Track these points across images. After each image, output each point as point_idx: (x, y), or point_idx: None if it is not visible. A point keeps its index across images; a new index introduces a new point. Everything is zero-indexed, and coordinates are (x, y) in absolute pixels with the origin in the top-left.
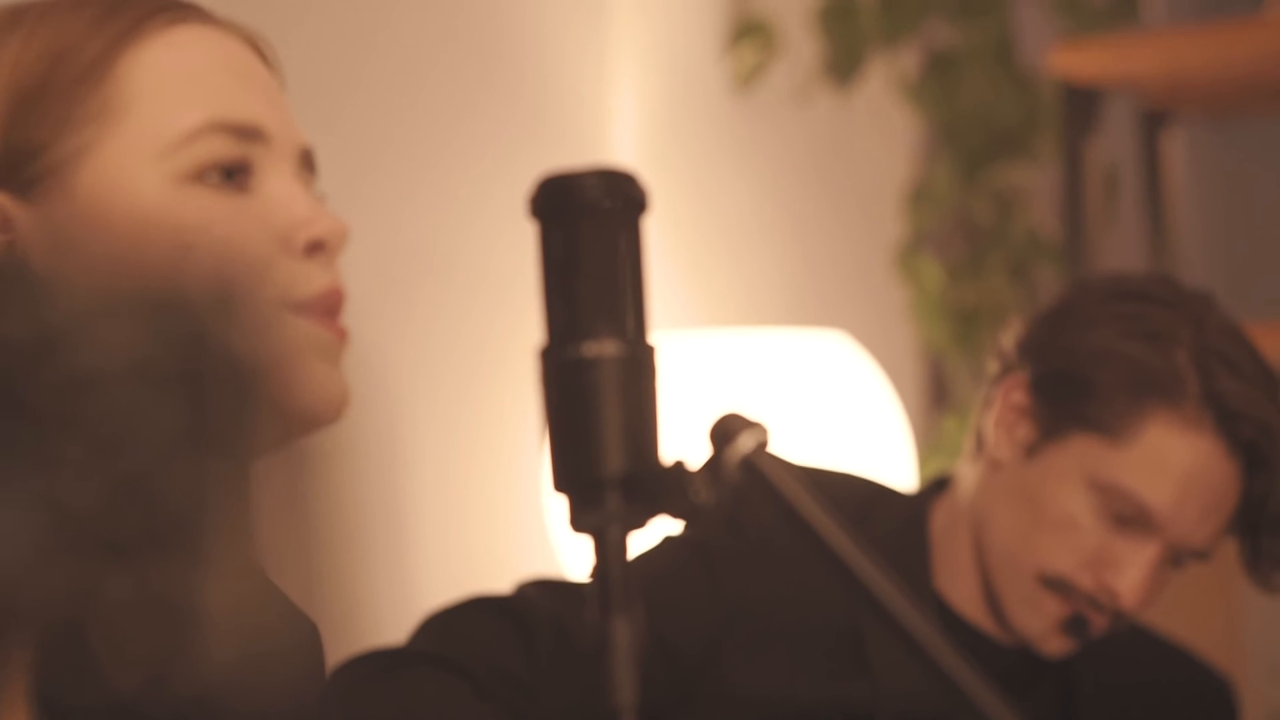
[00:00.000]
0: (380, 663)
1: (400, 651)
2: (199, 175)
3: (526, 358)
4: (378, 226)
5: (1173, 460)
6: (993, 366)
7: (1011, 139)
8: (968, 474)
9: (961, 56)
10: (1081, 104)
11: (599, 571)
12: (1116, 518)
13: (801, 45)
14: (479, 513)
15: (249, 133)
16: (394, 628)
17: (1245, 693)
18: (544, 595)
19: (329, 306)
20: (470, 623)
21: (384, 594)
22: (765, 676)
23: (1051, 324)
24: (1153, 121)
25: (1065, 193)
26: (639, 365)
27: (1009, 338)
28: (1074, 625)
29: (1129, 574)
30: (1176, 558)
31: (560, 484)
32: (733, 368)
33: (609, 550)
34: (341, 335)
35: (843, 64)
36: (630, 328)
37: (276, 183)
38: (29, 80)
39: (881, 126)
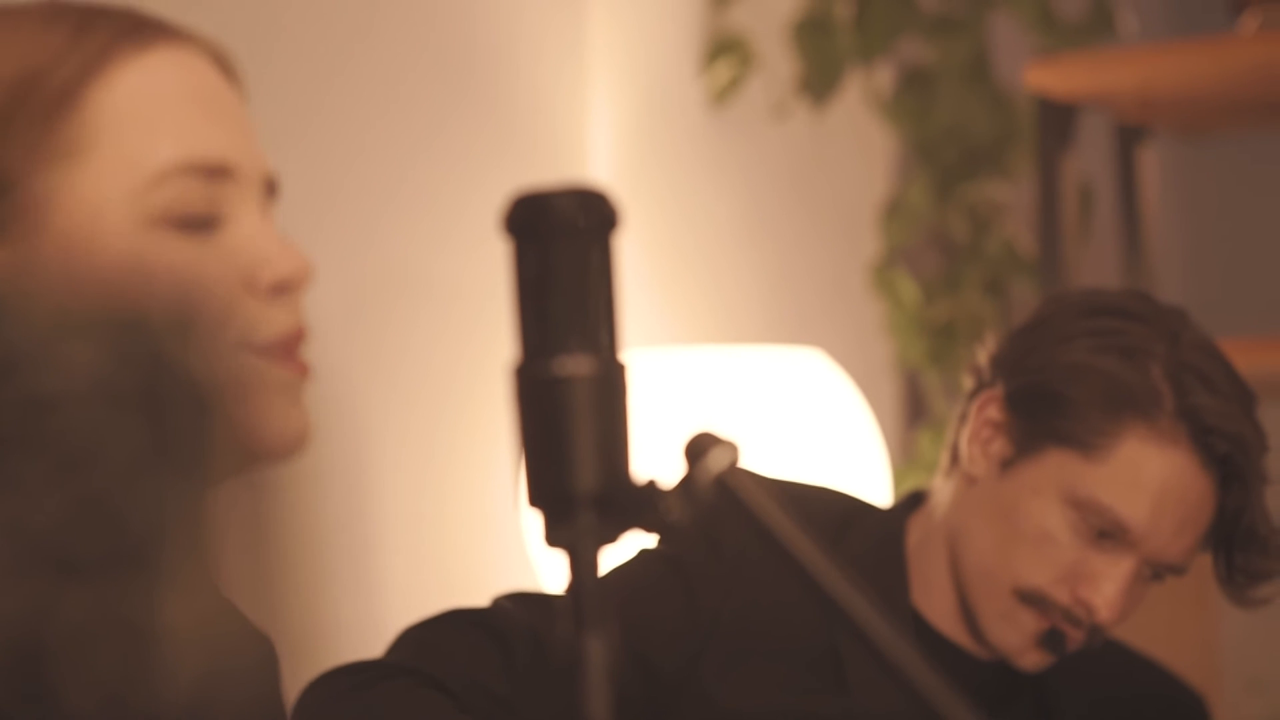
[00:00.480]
0: (357, 676)
1: (377, 664)
2: (166, 219)
3: (499, 375)
4: (350, 242)
5: (1148, 475)
6: (968, 382)
7: (987, 155)
8: (943, 489)
9: (937, 73)
10: (1057, 120)
11: (572, 587)
12: (1092, 532)
13: (777, 62)
14: (451, 529)
15: (217, 171)
16: (363, 646)
17: (1222, 705)
18: (520, 608)
19: (290, 346)
20: (447, 636)
21: (353, 612)
22: (743, 693)
23: (1026, 339)
24: (1128, 137)
25: (1040, 208)
26: (611, 382)
27: (984, 353)
28: (1050, 640)
29: (1105, 588)
30: (1153, 572)
31: (534, 499)
32: (708, 385)
33: (582, 566)
34: (303, 372)
35: (818, 81)
36: (603, 344)
37: (242, 222)
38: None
39: (857, 143)
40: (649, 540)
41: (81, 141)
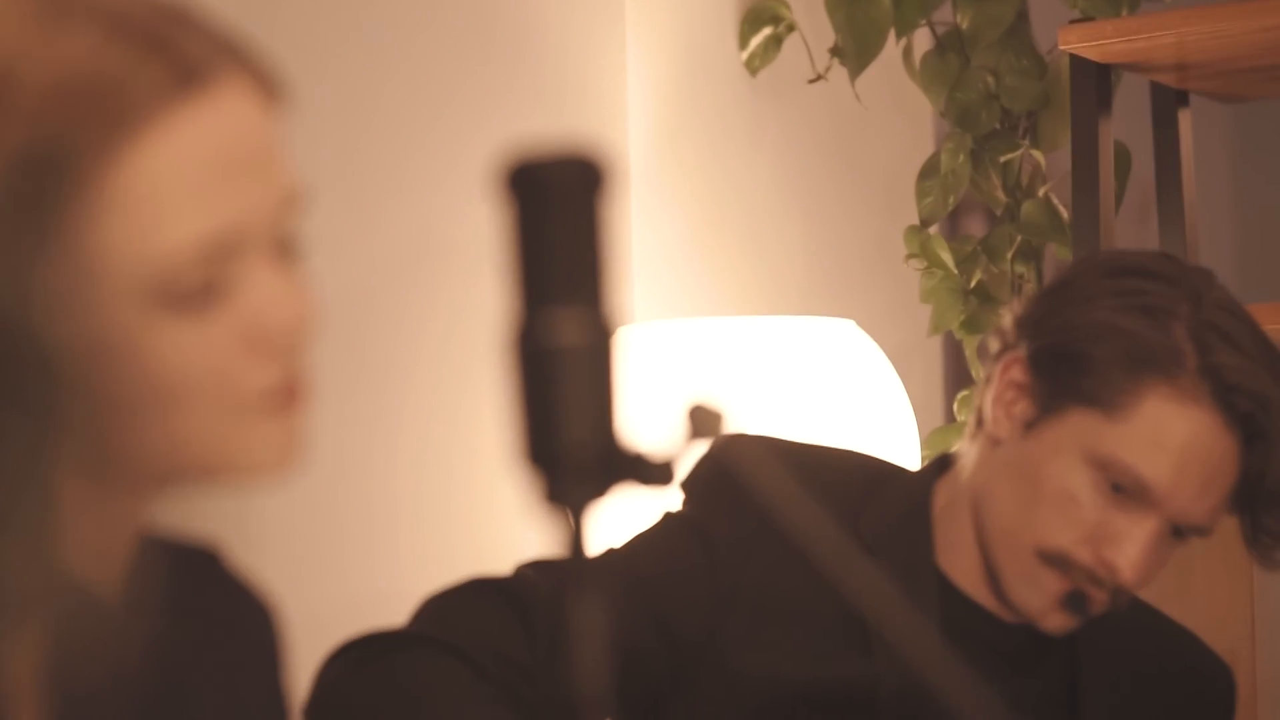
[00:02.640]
0: (377, 645)
1: (398, 634)
2: (162, 298)
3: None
4: (370, 204)
5: (1170, 434)
6: (993, 345)
7: (1024, 120)
8: (968, 452)
9: (974, 37)
10: (1094, 84)
11: (569, 546)
12: (1115, 492)
13: (815, 28)
14: (454, 497)
15: (226, 245)
16: (370, 617)
17: (1261, 669)
18: (543, 575)
19: (283, 401)
20: (468, 605)
21: (358, 582)
22: (765, 657)
23: (1049, 301)
24: (1165, 101)
25: (1077, 173)
26: (603, 343)
27: (1008, 316)
28: (1073, 601)
29: (1128, 549)
30: (1177, 532)
31: (528, 458)
32: (742, 354)
33: (577, 525)
34: (293, 404)
35: (855, 53)
36: (595, 305)
37: (251, 279)
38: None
39: (894, 109)
40: (670, 503)
41: (103, 203)
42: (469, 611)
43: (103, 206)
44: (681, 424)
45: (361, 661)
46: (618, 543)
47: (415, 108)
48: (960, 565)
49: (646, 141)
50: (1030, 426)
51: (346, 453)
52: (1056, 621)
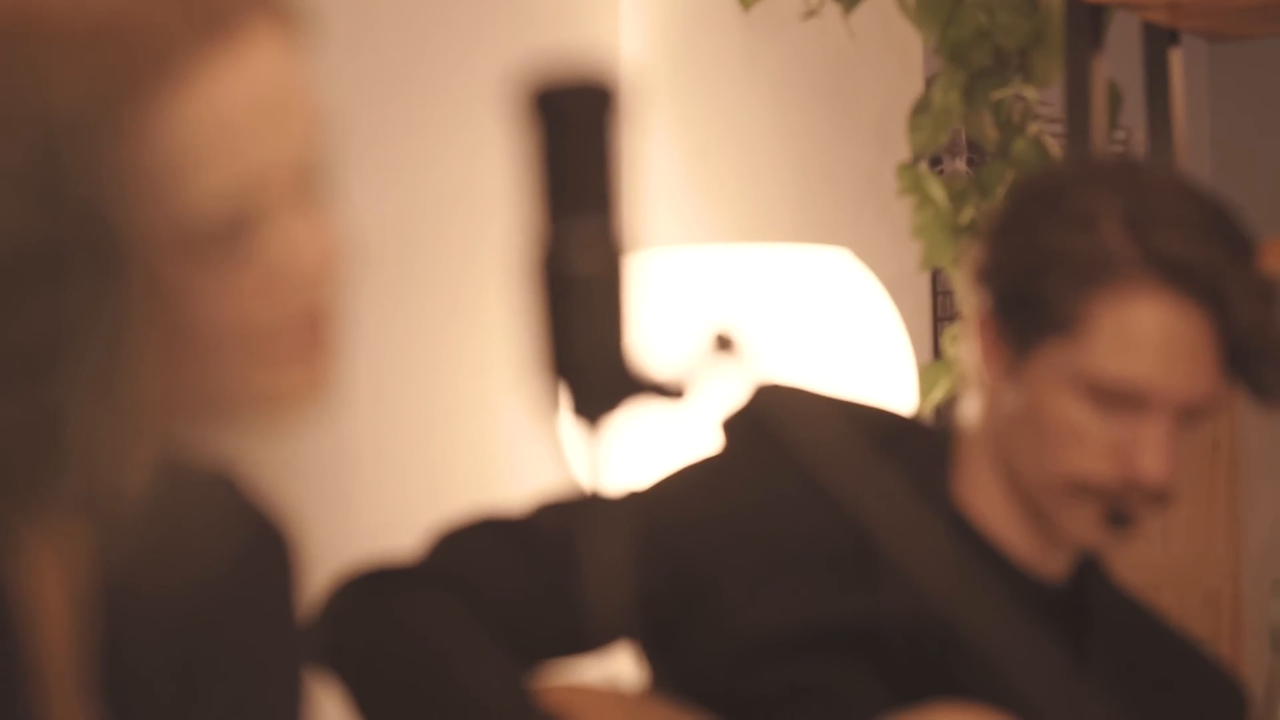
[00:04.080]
0: (388, 581)
1: (408, 571)
2: (199, 241)
3: (495, 274)
4: (363, 135)
5: (1135, 331)
6: (966, 297)
7: (1016, 57)
8: (973, 405)
9: None
10: (1086, 22)
11: (588, 460)
12: (1113, 406)
13: None
14: (441, 435)
15: (259, 190)
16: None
17: (1247, 605)
18: (556, 516)
19: (307, 340)
20: (479, 544)
21: (368, 504)
22: (766, 607)
23: (995, 244)
24: (1157, 39)
25: (1069, 111)
26: (619, 259)
27: (972, 267)
28: (1116, 519)
29: (1147, 454)
30: (1186, 419)
31: (548, 371)
32: (737, 283)
33: (595, 437)
34: (317, 343)
35: None
36: (613, 220)
37: (279, 225)
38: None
39: (888, 45)
40: (706, 447)
41: (132, 149)
42: (479, 551)
43: (138, 152)
44: (699, 347)
45: (369, 598)
46: (644, 477)
47: (408, 38)
48: (989, 513)
49: (640, 76)
50: (1015, 373)
51: (357, 381)
52: (1110, 541)
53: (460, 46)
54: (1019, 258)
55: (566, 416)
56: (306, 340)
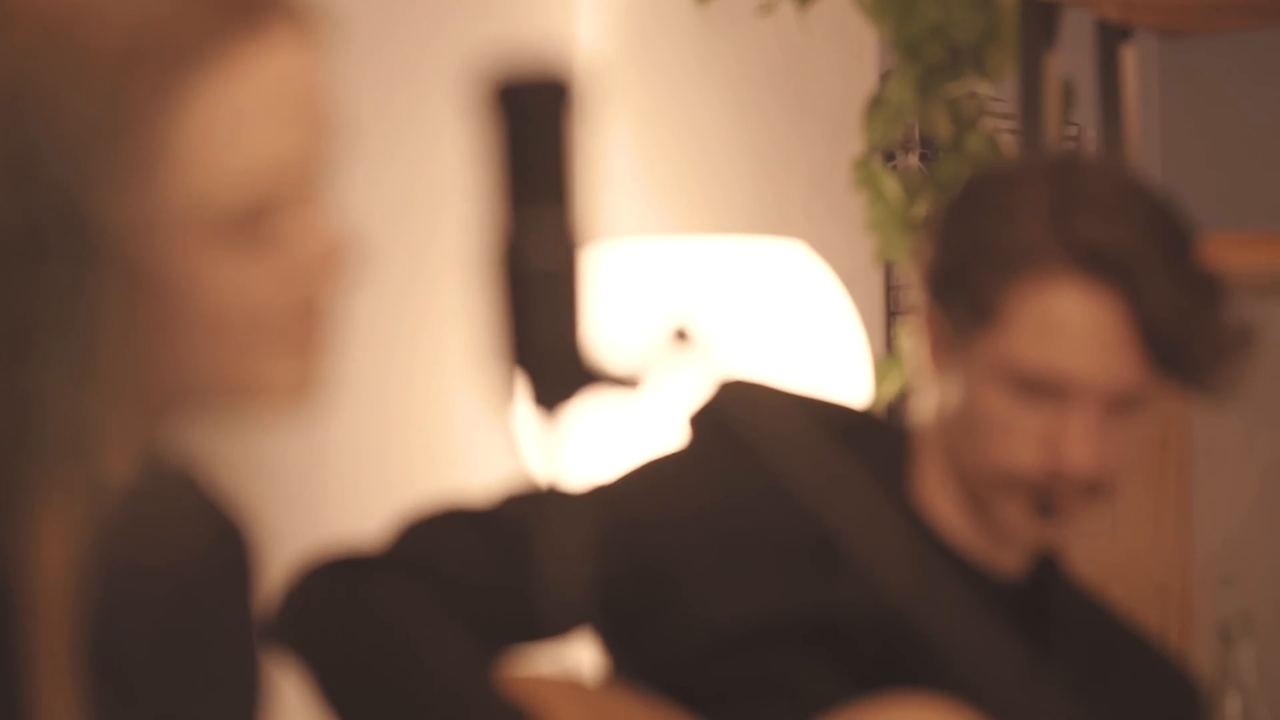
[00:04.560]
0: (353, 571)
1: (373, 560)
2: (216, 230)
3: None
4: None
5: (1055, 320)
6: (916, 294)
7: (970, 53)
8: (924, 399)
9: None
10: (1040, 18)
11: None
12: (1038, 397)
13: None
14: (415, 423)
15: (278, 182)
16: (337, 526)
17: (1198, 599)
18: (519, 507)
19: (305, 332)
20: (445, 534)
21: (325, 494)
22: (732, 587)
23: (935, 241)
24: (1110, 36)
25: (1023, 106)
26: (576, 250)
27: (916, 262)
28: (1042, 506)
29: (1073, 444)
30: (1115, 409)
31: (505, 359)
32: (690, 275)
33: (552, 425)
34: (315, 335)
35: None
36: (570, 212)
37: (292, 218)
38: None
39: (843, 39)
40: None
41: (160, 139)
42: (442, 540)
43: (166, 142)
44: (655, 339)
45: (335, 585)
46: (601, 468)
47: (364, 30)
48: (943, 509)
49: (597, 70)
50: (953, 367)
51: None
52: (1041, 533)
53: (416, 38)
54: (953, 252)
55: (524, 406)
56: (302, 334)
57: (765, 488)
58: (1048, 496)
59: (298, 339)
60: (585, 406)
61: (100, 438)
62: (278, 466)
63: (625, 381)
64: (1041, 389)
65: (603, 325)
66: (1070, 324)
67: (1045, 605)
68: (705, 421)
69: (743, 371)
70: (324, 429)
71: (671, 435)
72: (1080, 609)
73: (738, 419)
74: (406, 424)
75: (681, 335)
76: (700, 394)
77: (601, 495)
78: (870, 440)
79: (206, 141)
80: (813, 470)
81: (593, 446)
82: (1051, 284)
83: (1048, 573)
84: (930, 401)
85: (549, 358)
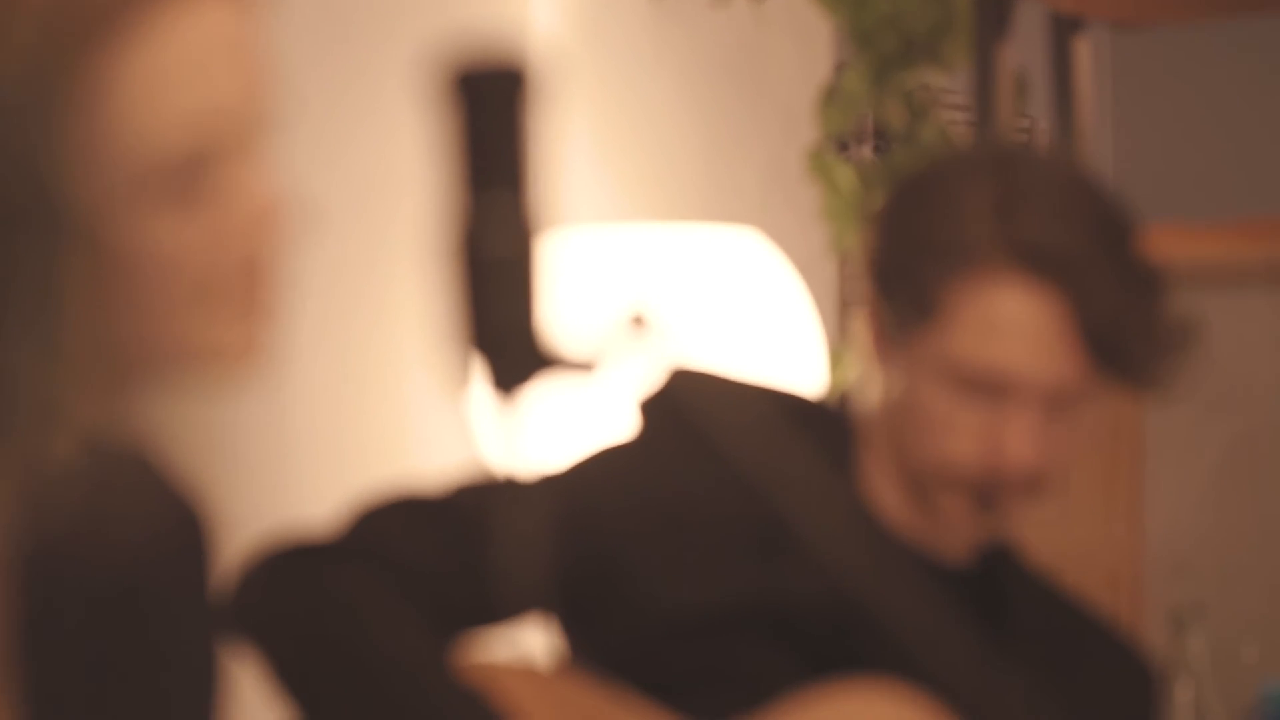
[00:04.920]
0: (309, 556)
1: (328, 547)
2: (147, 188)
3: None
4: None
5: (996, 317)
6: (863, 288)
7: (924, 43)
8: (870, 389)
9: None
10: (993, 9)
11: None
12: (978, 394)
13: None
14: (371, 409)
15: (207, 141)
16: (290, 513)
17: (1149, 586)
18: (472, 495)
19: (246, 294)
20: (398, 521)
21: (277, 478)
22: (683, 574)
23: (878, 234)
24: (1063, 27)
25: (976, 97)
26: (533, 235)
27: (862, 254)
28: (983, 500)
29: (1013, 440)
30: (1055, 406)
31: (463, 343)
32: (645, 263)
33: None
34: (257, 298)
35: None
36: (527, 197)
37: (226, 180)
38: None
39: (797, 29)
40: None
41: (89, 95)
42: (396, 527)
43: (95, 98)
44: (612, 325)
45: (290, 573)
46: (557, 451)
47: (321, 12)
48: (889, 497)
49: (549, 58)
50: (896, 363)
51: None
52: (982, 525)
53: (374, 23)
54: (895, 245)
55: (481, 390)
56: (244, 295)
57: (715, 475)
58: (987, 491)
59: (240, 300)
60: (542, 390)
61: (68, 411)
62: (233, 449)
63: (581, 366)
64: (982, 386)
65: (559, 311)
66: (1011, 323)
67: (996, 590)
68: (655, 409)
69: (693, 359)
70: (281, 412)
71: (627, 420)
72: (1033, 592)
73: (688, 407)
74: (363, 408)
75: (638, 321)
76: (651, 381)
77: (554, 483)
78: (817, 428)
79: (138, 96)
80: (760, 458)
81: (549, 430)
82: (993, 282)
83: (998, 559)
84: (875, 391)
85: (506, 341)
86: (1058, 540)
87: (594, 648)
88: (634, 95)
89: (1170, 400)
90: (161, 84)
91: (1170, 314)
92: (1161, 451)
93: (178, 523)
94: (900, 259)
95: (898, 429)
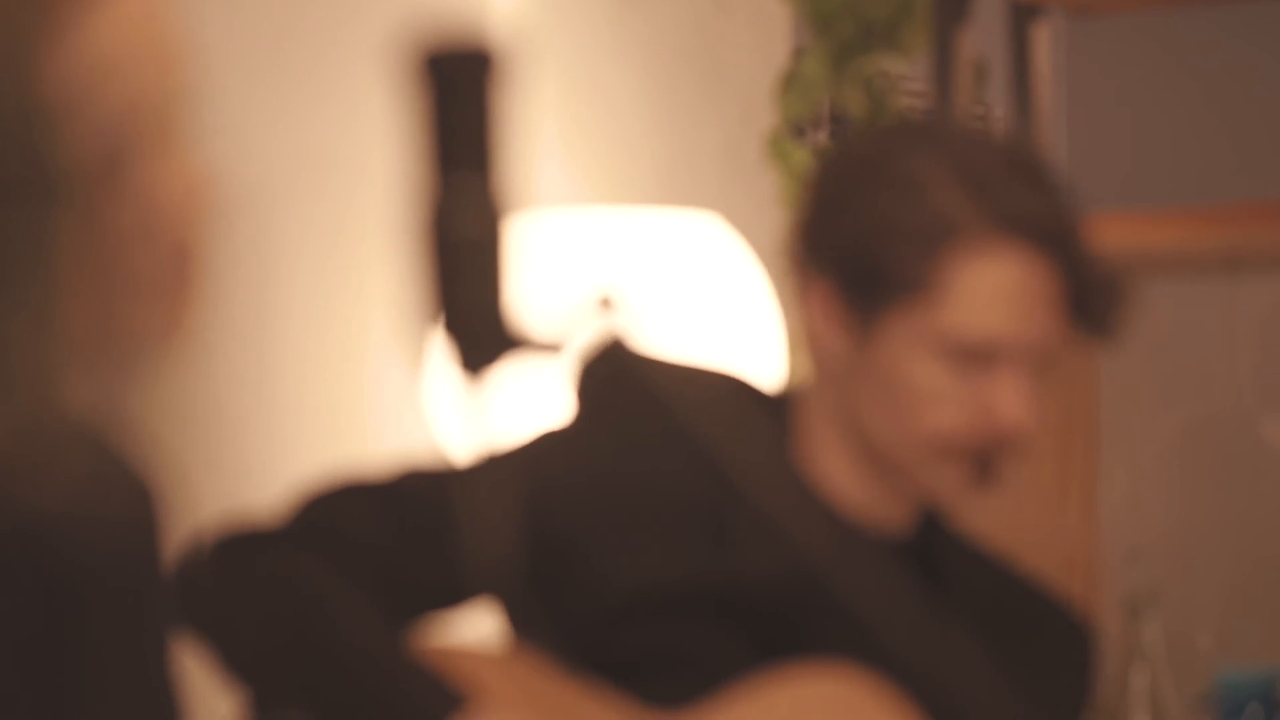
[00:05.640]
0: (258, 542)
1: (277, 532)
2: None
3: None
4: (234, 102)
5: (993, 286)
6: (792, 271)
7: (883, 29)
8: (814, 376)
9: None
10: None
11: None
12: (969, 362)
13: None
14: (346, 392)
15: (131, 125)
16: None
17: (1104, 573)
18: (421, 482)
19: (173, 274)
20: (345, 506)
21: (243, 460)
22: (631, 562)
23: (826, 215)
24: (1021, 14)
25: (935, 83)
26: (501, 216)
27: (793, 241)
28: (983, 472)
29: (1009, 405)
30: (1038, 365)
31: (434, 324)
32: (604, 246)
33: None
34: (183, 278)
35: None
36: (495, 178)
37: (151, 162)
38: None
39: (756, 15)
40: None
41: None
42: (343, 512)
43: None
44: (579, 306)
45: (239, 559)
46: (521, 433)
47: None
48: (831, 472)
49: (510, 37)
50: (862, 343)
51: (234, 335)
52: (973, 494)
53: (334, 4)
54: (854, 227)
55: (446, 370)
56: (171, 278)
57: (660, 457)
58: (983, 458)
59: (168, 283)
60: (508, 372)
61: (61, 383)
62: (190, 424)
63: (548, 348)
64: (974, 354)
65: (524, 292)
66: (1009, 290)
67: (934, 558)
68: (596, 389)
69: (627, 338)
70: (243, 391)
71: (564, 399)
72: (969, 559)
73: (628, 386)
74: (325, 389)
75: (605, 303)
76: (587, 360)
77: (503, 465)
78: (753, 406)
79: (75, 87)
80: (700, 437)
81: (515, 411)
82: (983, 253)
83: (934, 529)
84: (815, 369)
85: (473, 323)
86: (1013, 528)
87: (546, 631)
88: (592, 79)
89: (1123, 383)
90: (95, 74)
91: (1114, 269)
92: (1115, 439)
93: (128, 501)
94: (863, 240)
95: (864, 407)
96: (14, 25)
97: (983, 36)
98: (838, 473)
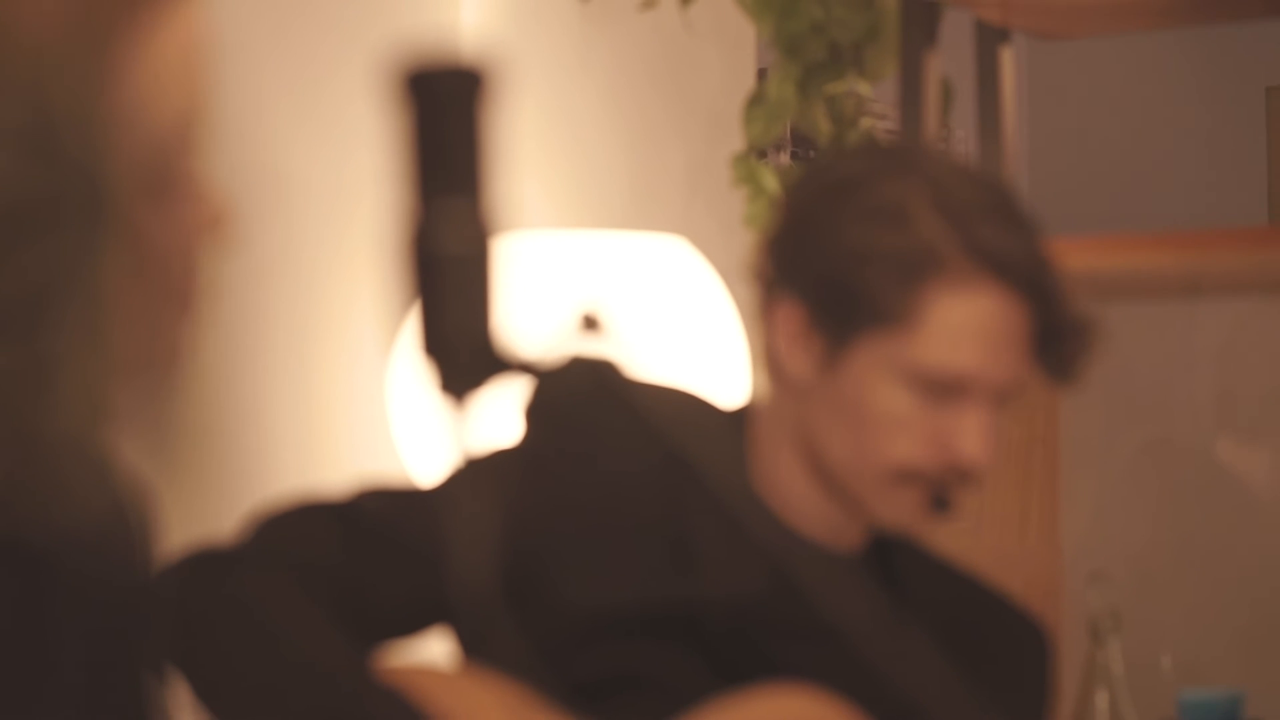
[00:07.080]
0: (219, 563)
1: (235, 553)
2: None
3: (357, 249)
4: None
5: (966, 321)
6: (756, 290)
7: (851, 52)
8: (772, 394)
9: None
10: (921, 18)
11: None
12: (936, 394)
13: None
14: (321, 405)
15: (167, 149)
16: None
17: (1066, 596)
18: (379, 502)
19: (180, 305)
20: (304, 527)
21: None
22: (590, 583)
23: (794, 238)
24: (989, 37)
25: (903, 105)
26: (488, 238)
27: (761, 260)
28: (939, 503)
29: (970, 439)
30: (1000, 402)
31: (418, 348)
32: (571, 269)
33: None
34: (186, 309)
35: None
36: (482, 200)
37: (184, 189)
38: None
39: (724, 36)
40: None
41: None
42: (302, 533)
43: (111, 102)
44: (564, 327)
45: (201, 580)
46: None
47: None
48: (787, 493)
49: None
50: (828, 367)
51: (224, 352)
52: (928, 523)
53: (307, 23)
54: (830, 251)
55: (432, 393)
56: (181, 298)
57: (616, 476)
58: (940, 489)
59: (177, 303)
60: (494, 394)
61: (108, 403)
62: (175, 444)
63: (534, 370)
64: (941, 387)
65: (506, 314)
66: (981, 327)
67: (891, 569)
68: (553, 407)
69: (584, 357)
70: (227, 411)
71: (516, 417)
72: (926, 568)
73: (583, 405)
74: (308, 410)
75: (590, 323)
76: (546, 380)
77: (460, 482)
78: (708, 426)
79: (141, 93)
80: (658, 456)
81: (499, 433)
82: (960, 287)
83: (888, 542)
84: (773, 392)
85: (459, 345)
86: (975, 551)
87: (507, 651)
88: (558, 100)
89: (1085, 409)
90: (159, 82)
91: (1084, 311)
92: (1076, 462)
93: (111, 514)
94: (837, 266)
95: (823, 431)
96: (79, 48)
97: (949, 59)
98: (793, 489)
